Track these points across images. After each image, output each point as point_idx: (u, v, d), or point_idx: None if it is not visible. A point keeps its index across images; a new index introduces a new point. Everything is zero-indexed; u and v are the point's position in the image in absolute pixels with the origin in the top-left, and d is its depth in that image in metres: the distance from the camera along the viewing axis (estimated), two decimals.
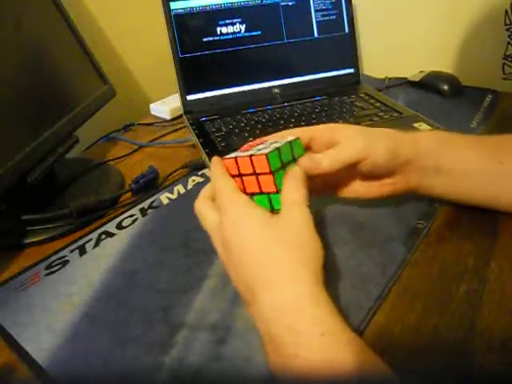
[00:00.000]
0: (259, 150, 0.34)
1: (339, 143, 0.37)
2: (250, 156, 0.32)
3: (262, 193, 0.33)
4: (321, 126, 0.39)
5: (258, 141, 0.37)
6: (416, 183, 0.39)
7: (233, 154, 0.34)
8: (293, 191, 0.32)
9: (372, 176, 0.39)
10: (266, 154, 0.31)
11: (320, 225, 0.42)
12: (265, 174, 0.32)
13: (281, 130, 0.60)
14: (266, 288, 0.28)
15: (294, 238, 0.30)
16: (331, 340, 0.25)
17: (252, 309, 0.29)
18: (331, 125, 0.39)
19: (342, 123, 0.41)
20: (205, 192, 0.36)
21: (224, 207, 0.32)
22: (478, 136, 0.43)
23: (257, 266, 0.29)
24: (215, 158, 0.35)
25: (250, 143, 0.37)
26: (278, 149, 0.33)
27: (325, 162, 0.35)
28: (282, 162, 0.33)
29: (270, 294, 0.28)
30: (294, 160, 0.35)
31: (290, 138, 0.35)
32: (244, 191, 0.33)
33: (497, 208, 0.40)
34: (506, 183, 0.38)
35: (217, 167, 0.34)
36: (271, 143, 0.35)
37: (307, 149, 0.38)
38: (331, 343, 0.25)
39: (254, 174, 0.33)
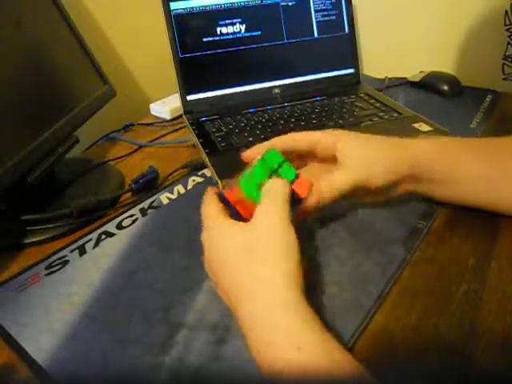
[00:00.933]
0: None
1: (338, 164, 0.38)
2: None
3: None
4: (325, 135, 0.40)
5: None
6: (414, 190, 0.41)
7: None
8: (268, 203, 0.33)
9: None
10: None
11: (320, 225, 0.42)
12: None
13: (281, 130, 0.61)
14: (241, 300, 0.29)
15: (265, 246, 0.30)
16: (307, 354, 0.25)
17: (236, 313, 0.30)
18: (335, 134, 0.40)
19: (345, 130, 0.41)
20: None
21: (206, 227, 0.35)
22: (476, 140, 0.43)
23: (231, 279, 0.31)
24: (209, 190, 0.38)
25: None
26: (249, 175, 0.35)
27: (326, 195, 0.37)
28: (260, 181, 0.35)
29: (244, 305, 0.29)
30: (278, 167, 0.36)
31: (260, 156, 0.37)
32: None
33: (497, 212, 0.40)
34: (507, 189, 0.38)
35: (207, 195, 0.37)
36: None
37: (311, 153, 0.39)
38: (308, 356, 0.25)
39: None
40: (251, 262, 0.30)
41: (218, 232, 0.33)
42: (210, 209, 0.35)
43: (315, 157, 0.41)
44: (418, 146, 0.40)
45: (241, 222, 0.33)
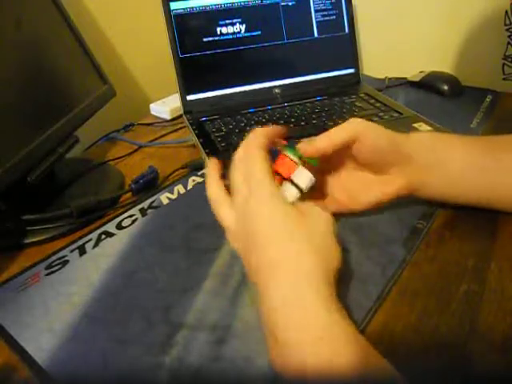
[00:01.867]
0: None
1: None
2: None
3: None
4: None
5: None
6: (414, 181, 0.39)
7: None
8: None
9: (372, 168, 0.40)
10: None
11: None
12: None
13: None
14: (274, 282, 0.28)
15: (316, 238, 0.30)
16: (332, 337, 0.25)
17: (260, 294, 0.29)
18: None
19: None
20: (215, 176, 0.37)
21: (257, 186, 0.32)
22: (474, 136, 0.43)
23: (272, 255, 0.29)
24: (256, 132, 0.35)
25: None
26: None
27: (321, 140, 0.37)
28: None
29: (275, 288, 0.28)
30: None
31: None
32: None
33: (495, 207, 0.40)
34: (503, 180, 0.38)
35: (253, 137, 0.34)
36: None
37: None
38: (331, 346, 0.25)
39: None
40: (298, 242, 0.29)
41: (268, 203, 0.31)
42: (260, 167, 0.32)
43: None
44: (416, 134, 0.41)
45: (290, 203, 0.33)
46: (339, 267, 0.30)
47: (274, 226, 0.30)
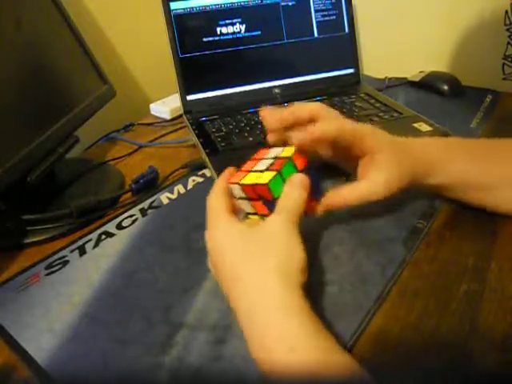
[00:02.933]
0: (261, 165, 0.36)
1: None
2: (253, 185, 0.34)
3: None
4: (354, 130, 0.38)
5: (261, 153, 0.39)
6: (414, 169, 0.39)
7: (236, 176, 0.36)
8: (286, 199, 0.33)
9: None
10: (268, 183, 0.33)
11: (320, 225, 0.42)
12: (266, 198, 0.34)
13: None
14: (240, 297, 0.29)
15: (266, 245, 0.31)
16: (301, 355, 0.26)
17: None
18: (364, 132, 0.38)
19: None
20: (222, 187, 0.37)
21: (210, 222, 0.34)
22: (475, 140, 0.43)
23: (232, 274, 0.31)
24: (222, 176, 0.37)
25: (256, 156, 0.39)
26: (279, 173, 0.34)
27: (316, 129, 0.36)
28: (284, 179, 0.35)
29: (242, 302, 0.29)
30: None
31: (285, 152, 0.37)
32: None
33: (496, 212, 0.40)
34: (506, 188, 0.38)
35: (218, 185, 0.36)
36: (270, 158, 0.37)
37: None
38: (302, 357, 0.25)
39: (258, 199, 0.35)
40: (249, 259, 0.30)
41: (223, 231, 0.33)
42: (217, 204, 0.35)
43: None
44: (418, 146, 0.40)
45: (246, 223, 0.34)
46: (303, 266, 0.30)
47: (231, 245, 0.32)
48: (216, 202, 0.35)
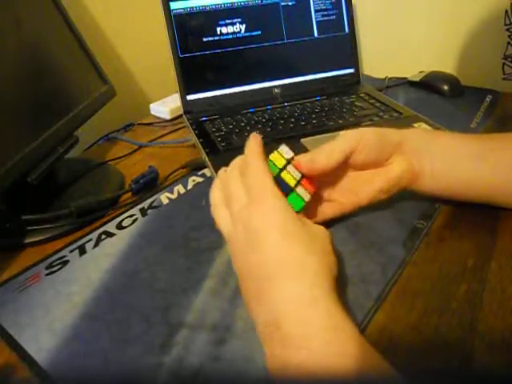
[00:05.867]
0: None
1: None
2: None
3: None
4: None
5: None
6: (414, 162, 0.39)
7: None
8: None
9: (370, 166, 0.40)
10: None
11: (319, 225, 0.42)
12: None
13: (281, 129, 0.60)
14: (283, 278, 0.29)
15: (317, 244, 0.31)
16: (341, 334, 0.26)
17: (259, 296, 0.29)
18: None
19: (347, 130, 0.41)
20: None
21: (257, 192, 0.32)
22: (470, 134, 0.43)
23: (281, 253, 0.29)
24: (254, 134, 0.36)
25: None
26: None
27: (322, 157, 0.37)
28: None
29: (285, 283, 0.28)
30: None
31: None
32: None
33: (492, 201, 0.40)
34: (498, 170, 0.38)
35: (254, 145, 0.35)
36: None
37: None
38: (340, 337, 0.26)
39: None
40: (303, 248, 0.30)
41: (273, 203, 0.31)
42: (260, 166, 0.33)
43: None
44: (407, 130, 0.41)
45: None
46: (337, 275, 0.31)
47: (279, 227, 0.30)
48: (263, 174, 0.33)
